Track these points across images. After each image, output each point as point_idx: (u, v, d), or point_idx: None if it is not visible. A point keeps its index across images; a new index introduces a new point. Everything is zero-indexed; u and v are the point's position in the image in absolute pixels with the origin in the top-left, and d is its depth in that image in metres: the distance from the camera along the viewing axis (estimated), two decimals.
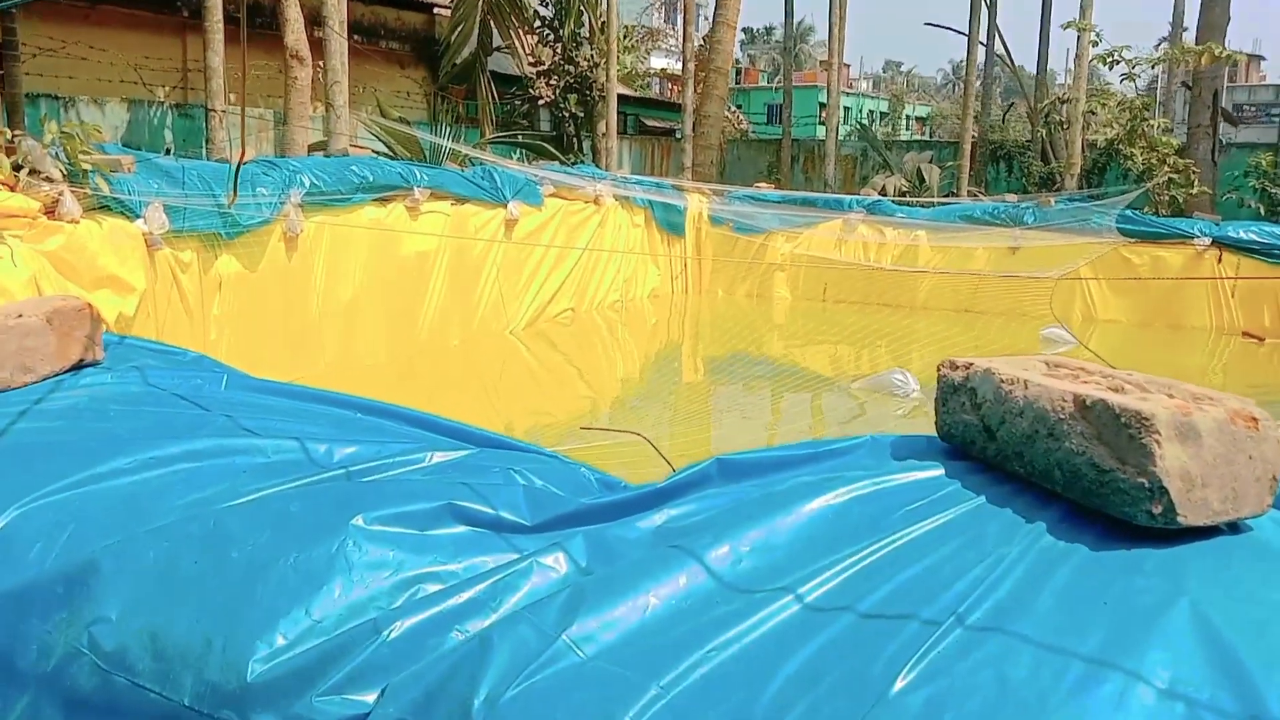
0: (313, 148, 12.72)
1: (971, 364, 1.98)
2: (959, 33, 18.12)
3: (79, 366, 2.68)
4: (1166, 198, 15.10)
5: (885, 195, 17.12)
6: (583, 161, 16.89)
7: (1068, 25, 15.07)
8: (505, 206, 12.73)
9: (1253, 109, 41.76)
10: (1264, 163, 14.97)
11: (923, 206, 16.14)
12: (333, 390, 2.75)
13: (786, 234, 16.06)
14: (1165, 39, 54.22)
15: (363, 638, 1.51)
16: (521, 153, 16.67)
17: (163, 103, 13.95)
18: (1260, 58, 27.77)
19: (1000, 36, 19.08)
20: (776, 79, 54.37)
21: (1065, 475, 1.75)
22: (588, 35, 17.50)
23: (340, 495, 1.87)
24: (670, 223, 15.83)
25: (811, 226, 15.93)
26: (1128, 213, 14.31)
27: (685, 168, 17.16)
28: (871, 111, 49.09)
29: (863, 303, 15.75)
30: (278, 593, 1.60)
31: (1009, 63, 19.73)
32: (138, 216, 7.87)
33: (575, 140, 18.39)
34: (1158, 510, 1.61)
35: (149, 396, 2.57)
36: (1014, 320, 14.81)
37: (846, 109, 51.85)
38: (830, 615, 1.47)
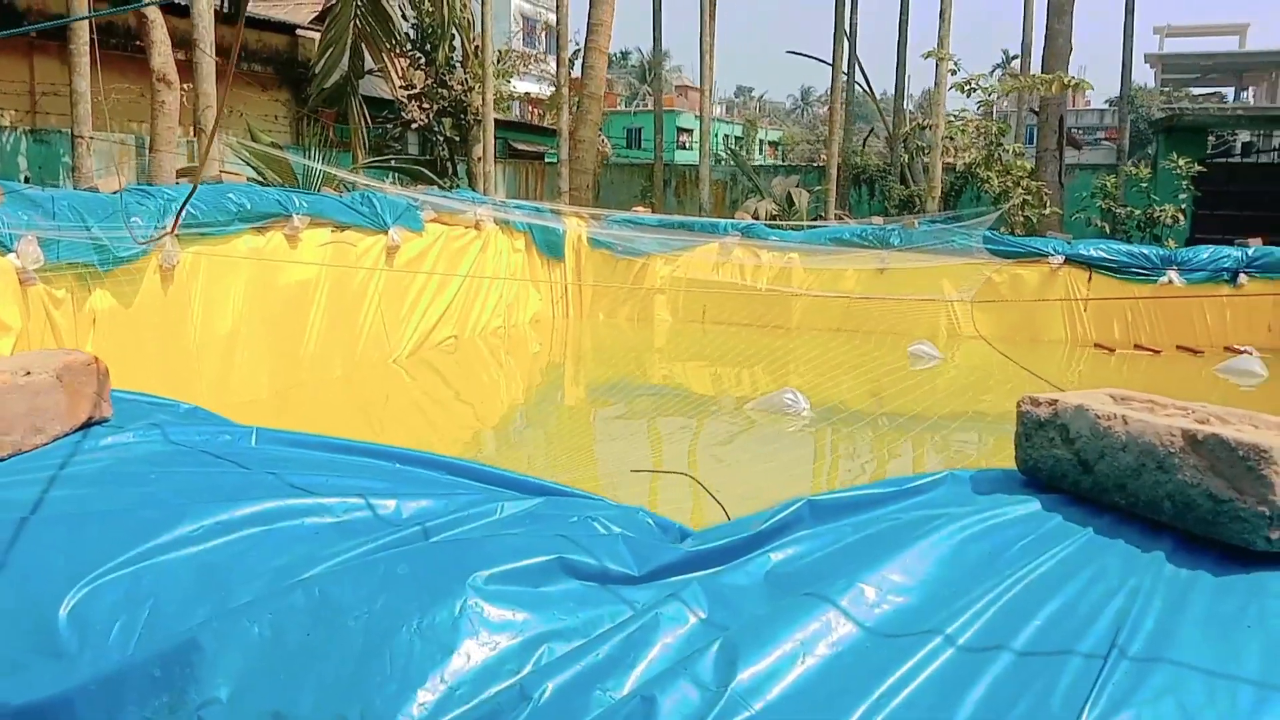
0: (180, 173, 12.17)
1: (1056, 400, 2.05)
2: (823, 61, 18.75)
3: (87, 425, 2.47)
4: (1021, 218, 15.94)
5: (758, 219, 17.53)
6: (459, 186, 16.69)
7: (928, 55, 15.81)
8: (386, 233, 12.46)
9: (1079, 131, 44.59)
10: (1109, 184, 16.04)
11: (794, 230, 16.60)
12: (360, 440, 2.61)
13: (665, 257, 16.27)
14: (999, 66, 57.29)
15: (511, 703, 1.43)
16: (395, 177, 16.36)
17: (14, 128, 13.08)
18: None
19: (860, 66, 19.87)
20: (634, 103, 55.05)
21: (1176, 506, 1.84)
22: (461, 59, 17.35)
23: (446, 555, 1.76)
24: (550, 247, 15.81)
25: (689, 250, 16.19)
26: (988, 233, 15.05)
27: (562, 192, 17.17)
28: (726, 136, 50.16)
29: (741, 324, 16.04)
30: (407, 661, 1.50)
31: (869, 90, 20.55)
32: (9, 250, 7.36)
33: (450, 164, 18.16)
34: (1275, 535, 1.71)
35: (179, 456, 2.38)
36: (884, 338, 15.32)
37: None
38: (987, 655, 1.48)
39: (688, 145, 47.12)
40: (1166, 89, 48.82)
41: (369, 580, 1.66)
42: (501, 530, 1.91)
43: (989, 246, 14.35)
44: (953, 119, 17.39)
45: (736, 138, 50.77)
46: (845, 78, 19.55)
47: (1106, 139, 47.51)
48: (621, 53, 67.06)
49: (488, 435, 10.71)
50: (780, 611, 1.61)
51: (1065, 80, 15.46)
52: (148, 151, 11.78)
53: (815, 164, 25.90)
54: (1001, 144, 16.10)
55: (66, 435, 2.37)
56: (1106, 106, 52.04)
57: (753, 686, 1.44)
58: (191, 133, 11.83)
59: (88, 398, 2.41)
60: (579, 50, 23.60)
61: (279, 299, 10.80)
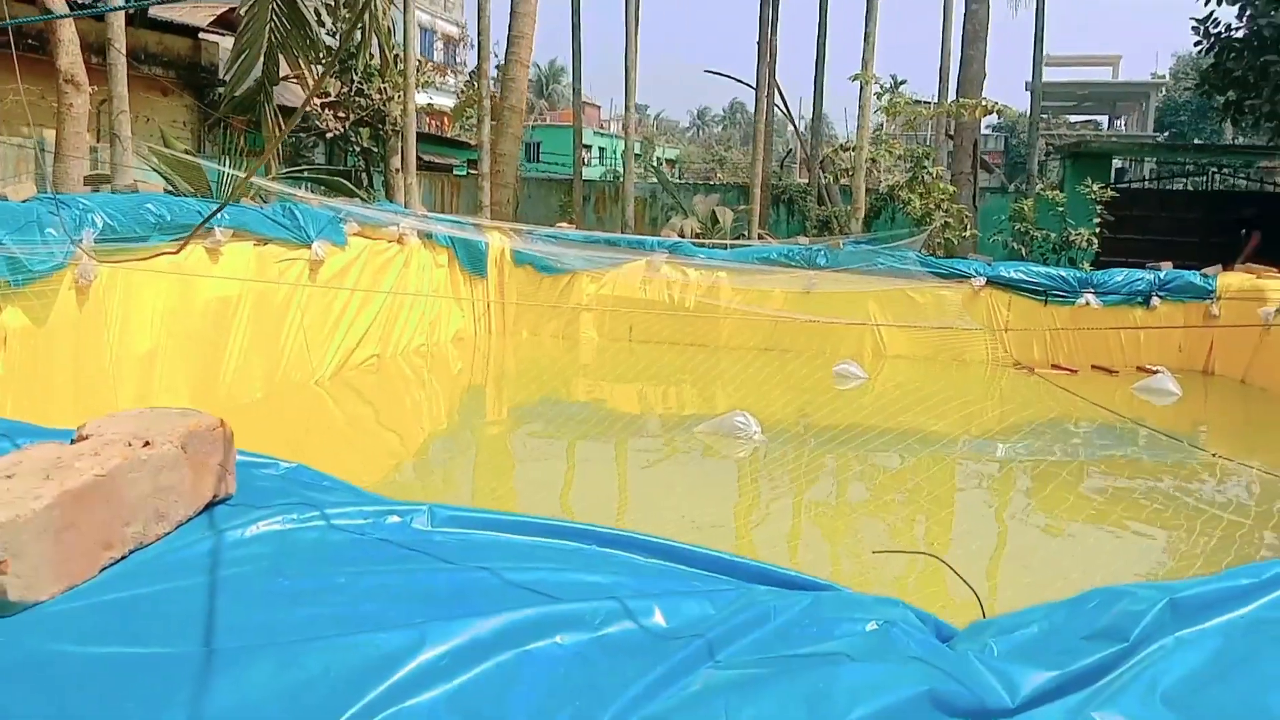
0: (88, 180, 11.34)
1: None
2: (744, 83, 18.76)
3: (211, 505, 1.99)
4: (941, 240, 16.16)
5: (683, 237, 17.39)
6: (377, 198, 16.08)
7: (855, 78, 15.91)
8: (310, 247, 11.85)
9: None
10: (1025, 208, 16.41)
11: (720, 248, 16.50)
12: (546, 516, 2.17)
13: (591, 274, 15.96)
14: (888, 90, 58.69)
15: None
16: (309, 187, 15.65)
17: None
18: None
19: (779, 88, 19.92)
20: (531, 117, 54.55)
21: None
22: (379, 68, 16.72)
23: (789, 690, 1.43)
24: (474, 262, 15.34)
25: (616, 266, 15.92)
26: (912, 255, 15.20)
27: (484, 206, 16.69)
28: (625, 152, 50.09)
29: (668, 342, 15.83)
30: None
31: (787, 113, 20.63)
32: None
33: (366, 176, 17.48)
34: None
35: (355, 548, 1.90)
36: (809, 357, 15.28)
37: (602, 149, 52.73)
38: None
39: (588, 161, 46.94)
40: (1045, 115, 50.90)
41: None
42: (792, 640, 1.55)
43: (927, 268, 14.48)
44: (878, 141, 17.57)
45: (636, 155, 50.82)
46: (755, 99, 19.60)
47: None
48: None
49: (434, 473, 9.99)
50: None
51: (988, 105, 15.78)
52: (52, 157, 10.91)
53: (721, 183, 25.94)
54: (925, 166, 16.31)
55: (190, 520, 1.92)
56: (990, 132, 53.84)
57: None
58: (97, 139, 10.99)
59: (213, 471, 1.97)
60: (495, 63, 23.11)
61: (199, 316, 10.14)
